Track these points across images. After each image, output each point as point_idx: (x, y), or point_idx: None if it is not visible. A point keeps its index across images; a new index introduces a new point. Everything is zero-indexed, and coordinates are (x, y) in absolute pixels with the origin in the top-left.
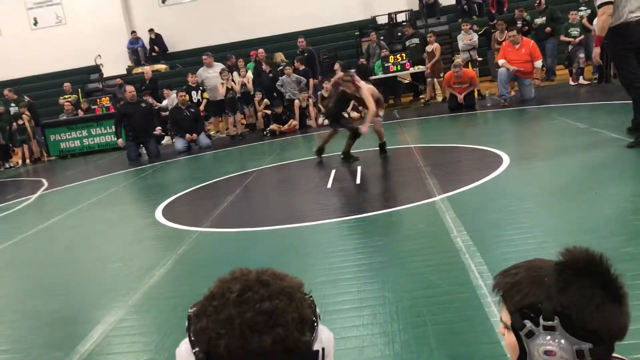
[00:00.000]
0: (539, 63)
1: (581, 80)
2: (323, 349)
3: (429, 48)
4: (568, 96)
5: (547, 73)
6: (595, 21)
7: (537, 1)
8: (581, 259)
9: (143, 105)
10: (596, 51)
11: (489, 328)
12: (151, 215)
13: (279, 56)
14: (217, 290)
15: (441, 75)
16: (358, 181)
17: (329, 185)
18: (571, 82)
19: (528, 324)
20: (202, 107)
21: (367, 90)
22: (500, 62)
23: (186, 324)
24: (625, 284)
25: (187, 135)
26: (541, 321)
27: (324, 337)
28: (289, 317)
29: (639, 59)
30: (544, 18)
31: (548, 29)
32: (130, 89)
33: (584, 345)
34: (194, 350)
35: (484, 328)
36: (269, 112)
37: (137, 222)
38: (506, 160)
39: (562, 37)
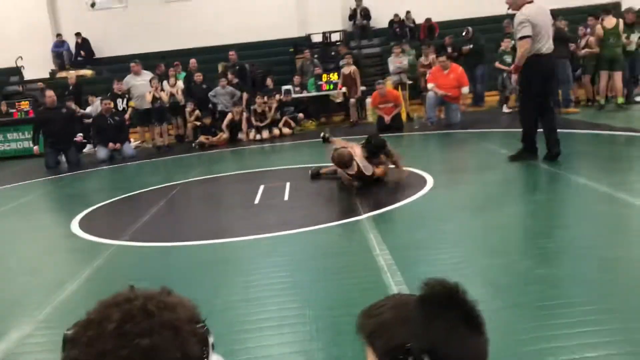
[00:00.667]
0: (465, 89)
1: (504, 109)
2: None
3: (345, 70)
4: (494, 122)
5: (475, 99)
6: None
7: (465, 30)
8: (441, 291)
9: (64, 111)
10: (514, 77)
11: None
12: (67, 226)
13: (222, 67)
14: (96, 316)
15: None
16: (286, 198)
17: (257, 201)
18: (505, 109)
19: None
20: (127, 116)
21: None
22: (430, 86)
23: (61, 345)
24: (533, 305)
25: (111, 144)
26: None
27: None
28: (169, 356)
29: (545, 89)
30: (471, 45)
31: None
32: (50, 93)
33: None
34: None
35: None
36: (199, 123)
37: (51, 233)
38: (430, 181)
39: (497, 64)
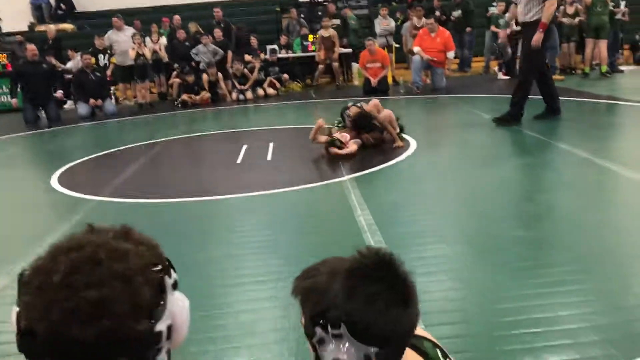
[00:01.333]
0: (451, 54)
1: (500, 75)
2: (169, 326)
3: (324, 33)
4: (479, 87)
5: (461, 64)
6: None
7: None
8: (369, 263)
9: (44, 66)
10: (538, 36)
11: None
12: (46, 181)
13: (194, 26)
14: (45, 263)
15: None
16: (269, 158)
17: (239, 160)
18: (501, 76)
19: (318, 331)
20: (109, 72)
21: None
22: (416, 49)
23: (18, 283)
24: (509, 265)
25: (92, 101)
26: (329, 329)
27: (175, 310)
28: (118, 308)
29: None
30: (460, 11)
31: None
32: (31, 47)
33: (370, 349)
34: (16, 322)
35: None
36: (179, 81)
37: (30, 187)
38: (413, 145)
39: (493, 28)
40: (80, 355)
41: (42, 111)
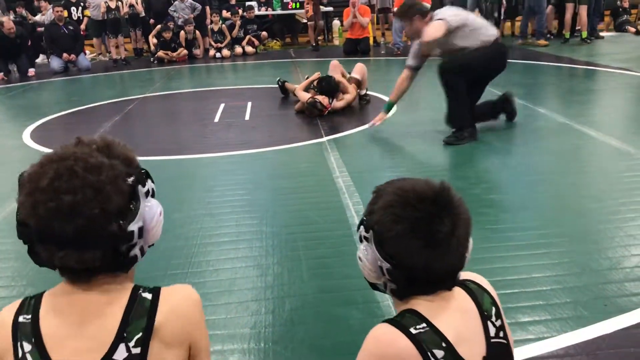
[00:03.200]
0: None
1: None
2: (140, 227)
3: None
4: None
5: None
6: None
7: None
8: (420, 191)
9: (14, 18)
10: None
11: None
12: (18, 137)
13: None
14: (37, 169)
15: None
16: (247, 117)
17: (216, 119)
18: None
19: (360, 228)
20: (83, 26)
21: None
22: (396, 10)
23: (18, 183)
24: (483, 228)
25: (65, 55)
26: (363, 231)
27: (148, 214)
28: (89, 211)
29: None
30: None
31: None
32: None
33: (384, 264)
34: (16, 213)
35: (354, 263)
36: (155, 41)
37: (1, 143)
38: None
39: None
40: (64, 243)
41: (14, 65)
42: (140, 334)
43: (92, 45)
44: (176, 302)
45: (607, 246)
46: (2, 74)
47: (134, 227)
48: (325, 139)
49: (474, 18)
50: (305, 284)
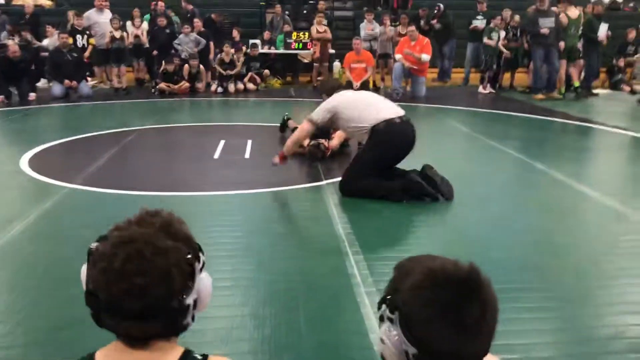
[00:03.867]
0: (425, 57)
1: (481, 89)
2: (195, 300)
3: (320, 29)
4: (458, 99)
5: (441, 74)
6: None
7: (437, 8)
8: (452, 272)
9: (17, 40)
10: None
11: (359, 318)
12: (15, 163)
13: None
14: (108, 249)
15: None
16: (247, 156)
17: (216, 155)
18: (481, 89)
19: (382, 307)
20: (87, 54)
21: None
22: (397, 56)
23: (87, 256)
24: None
25: (67, 82)
26: (387, 310)
27: (201, 287)
28: (157, 292)
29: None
30: (439, 25)
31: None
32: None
33: (410, 348)
34: (86, 283)
35: (354, 318)
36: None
37: None
38: None
39: (486, 41)
40: (130, 316)
41: (15, 88)
42: None
43: (94, 73)
44: None
45: (608, 313)
46: (3, 96)
47: (190, 300)
48: (325, 182)
49: (365, 101)
50: (304, 338)
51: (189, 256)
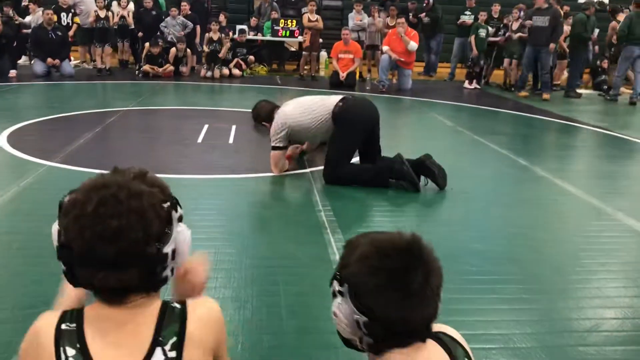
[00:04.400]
0: (413, 44)
1: (466, 84)
2: (173, 250)
3: (312, 17)
4: (444, 93)
5: (427, 68)
6: None
7: (426, 2)
8: (395, 242)
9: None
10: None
11: None
12: None
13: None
14: (81, 197)
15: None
16: (231, 141)
17: (200, 140)
18: (467, 85)
19: (333, 283)
20: (71, 33)
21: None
22: (384, 48)
23: (58, 209)
24: (468, 279)
25: (49, 60)
26: (337, 285)
27: (180, 238)
28: (133, 235)
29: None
30: (428, 19)
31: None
32: None
33: (361, 317)
34: (58, 237)
35: None
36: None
37: None
38: None
39: (472, 40)
40: (105, 265)
41: None
42: (174, 338)
43: (77, 52)
44: (204, 310)
45: (587, 306)
46: None
47: (168, 249)
48: (309, 169)
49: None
50: (284, 322)
51: (166, 203)
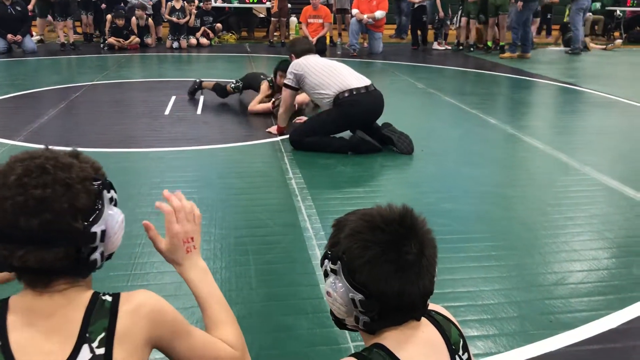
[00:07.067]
0: (380, 13)
1: (436, 45)
2: (103, 231)
3: None
4: (414, 56)
5: (398, 30)
6: None
7: None
8: (385, 215)
9: None
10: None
11: (310, 270)
12: None
13: None
14: (4, 168)
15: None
16: (199, 112)
17: (167, 112)
18: (436, 46)
19: (325, 262)
20: (30, 7)
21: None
22: (354, 11)
23: None
24: (437, 238)
25: (10, 36)
26: (330, 262)
27: (110, 220)
28: (58, 206)
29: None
30: None
31: None
32: None
33: (356, 295)
34: None
35: (305, 270)
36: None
37: None
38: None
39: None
40: (27, 240)
41: None
42: (103, 334)
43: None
44: (134, 304)
45: (554, 260)
46: None
47: (97, 229)
48: (279, 138)
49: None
50: (254, 291)
51: (97, 182)
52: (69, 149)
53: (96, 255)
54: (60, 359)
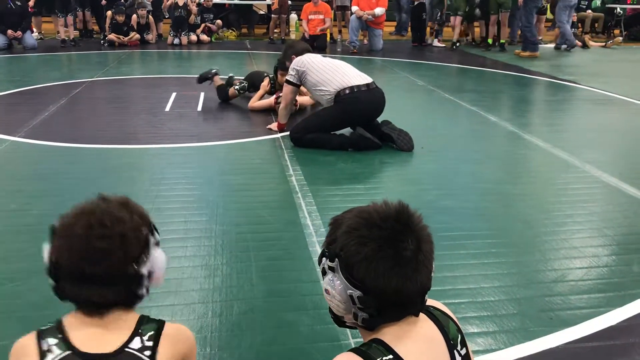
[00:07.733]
0: (380, 10)
1: (436, 42)
2: (150, 272)
3: None
4: (414, 53)
5: (398, 28)
6: None
7: None
8: (382, 211)
9: None
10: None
11: (310, 266)
12: None
13: None
14: (70, 220)
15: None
16: (199, 108)
17: (167, 108)
18: (436, 43)
19: (322, 260)
20: (31, 3)
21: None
22: (354, 8)
23: (50, 232)
24: (437, 235)
25: (10, 32)
26: (327, 260)
27: (156, 261)
28: (115, 256)
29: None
30: None
31: None
32: None
33: (355, 292)
34: (49, 254)
35: (306, 266)
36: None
37: None
38: None
39: None
40: (91, 281)
41: None
42: (152, 332)
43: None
44: (177, 326)
45: (553, 257)
46: None
47: (145, 270)
48: (279, 135)
49: (326, 66)
50: (255, 287)
51: (145, 230)
52: (118, 197)
53: (143, 290)
54: (116, 346)
